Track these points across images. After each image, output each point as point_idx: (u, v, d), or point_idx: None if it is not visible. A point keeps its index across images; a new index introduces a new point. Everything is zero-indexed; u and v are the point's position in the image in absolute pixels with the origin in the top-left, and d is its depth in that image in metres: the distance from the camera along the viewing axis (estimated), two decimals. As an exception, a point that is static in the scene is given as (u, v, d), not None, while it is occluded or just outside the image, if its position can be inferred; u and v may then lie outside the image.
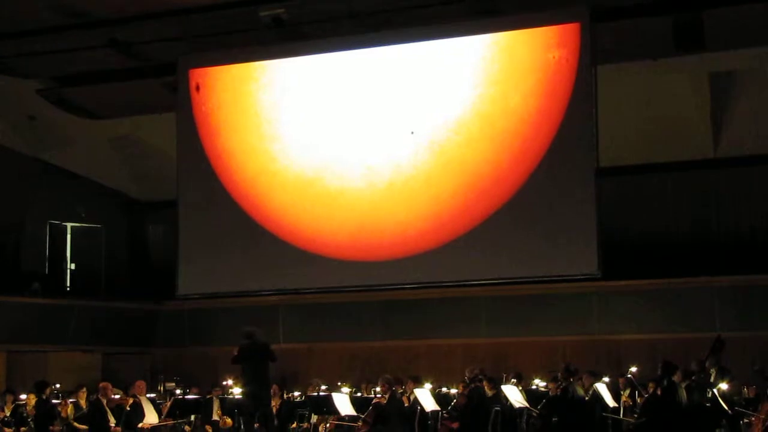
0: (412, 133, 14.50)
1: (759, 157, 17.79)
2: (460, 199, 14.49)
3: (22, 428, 14.06)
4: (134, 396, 14.36)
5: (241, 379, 13.96)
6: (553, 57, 14.02)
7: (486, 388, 14.12)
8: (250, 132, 15.76)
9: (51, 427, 13.93)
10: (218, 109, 15.94)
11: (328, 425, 14.24)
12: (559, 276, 14.62)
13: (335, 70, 15.32)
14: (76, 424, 14.11)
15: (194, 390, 16.56)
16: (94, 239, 20.33)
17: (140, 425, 14.07)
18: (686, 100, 16.86)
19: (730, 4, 14.35)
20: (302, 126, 15.44)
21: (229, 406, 15.28)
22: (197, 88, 16.02)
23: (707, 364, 13.21)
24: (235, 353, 13.60)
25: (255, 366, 13.50)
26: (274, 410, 14.36)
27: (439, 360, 18.32)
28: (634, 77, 16.21)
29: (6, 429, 14.05)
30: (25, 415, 14.41)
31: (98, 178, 20.97)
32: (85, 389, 14.74)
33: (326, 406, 13.91)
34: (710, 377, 13.12)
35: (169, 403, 15.04)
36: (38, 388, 14.29)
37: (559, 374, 13.99)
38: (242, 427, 14.50)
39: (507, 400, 13.92)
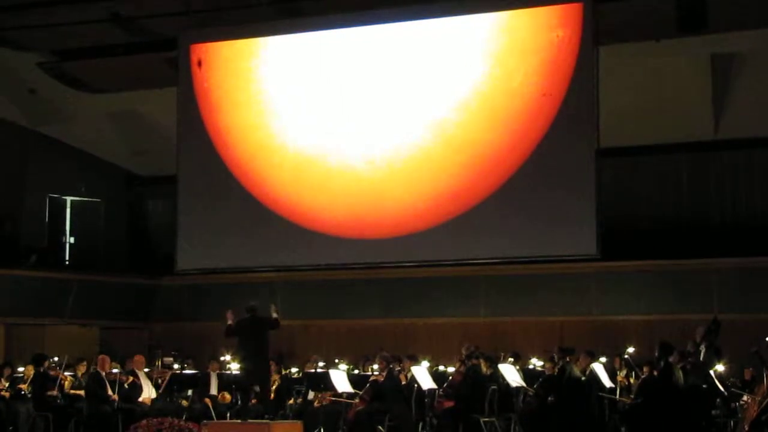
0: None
1: (760, 140, 17.80)
2: (459, 178, 14.44)
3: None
4: (133, 373, 14.39)
5: (239, 354, 14.01)
6: (557, 36, 13.94)
7: (483, 366, 14.15)
8: (251, 108, 15.70)
9: (48, 393, 14.00)
10: (219, 85, 15.88)
11: (324, 401, 14.28)
12: (557, 256, 14.62)
13: (336, 47, 15.25)
14: (73, 391, 14.23)
15: (189, 362, 16.58)
16: (94, 213, 20.35)
17: (139, 400, 14.14)
18: (688, 81, 16.81)
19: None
20: (303, 103, 15.37)
21: (226, 382, 15.34)
22: (198, 64, 15.95)
23: (699, 342, 13.26)
24: (229, 322, 13.62)
25: (252, 341, 13.54)
26: (273, 387, 14.42)
27: (437, 339, 18.34)
28: (636, 58, 16.15)
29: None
30: (21, 386, 14.48)
31: (98, 152, 20.95)
32: (85, 363, 14.80)
33: (324, 383, 13.96)
34: (700, 355, 13.14)
35: (166, 378, 15.08)
36: (36, 361, 14.34)
37: (555, 355, 14.04)
38: (239, 402, 14.55)
39: (504, 378, 13.95)
